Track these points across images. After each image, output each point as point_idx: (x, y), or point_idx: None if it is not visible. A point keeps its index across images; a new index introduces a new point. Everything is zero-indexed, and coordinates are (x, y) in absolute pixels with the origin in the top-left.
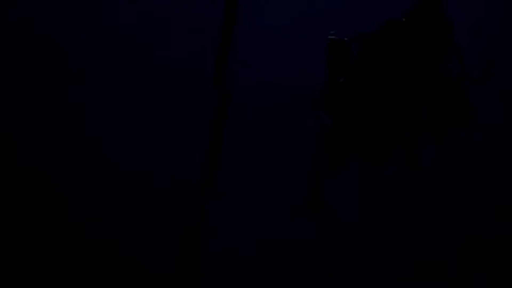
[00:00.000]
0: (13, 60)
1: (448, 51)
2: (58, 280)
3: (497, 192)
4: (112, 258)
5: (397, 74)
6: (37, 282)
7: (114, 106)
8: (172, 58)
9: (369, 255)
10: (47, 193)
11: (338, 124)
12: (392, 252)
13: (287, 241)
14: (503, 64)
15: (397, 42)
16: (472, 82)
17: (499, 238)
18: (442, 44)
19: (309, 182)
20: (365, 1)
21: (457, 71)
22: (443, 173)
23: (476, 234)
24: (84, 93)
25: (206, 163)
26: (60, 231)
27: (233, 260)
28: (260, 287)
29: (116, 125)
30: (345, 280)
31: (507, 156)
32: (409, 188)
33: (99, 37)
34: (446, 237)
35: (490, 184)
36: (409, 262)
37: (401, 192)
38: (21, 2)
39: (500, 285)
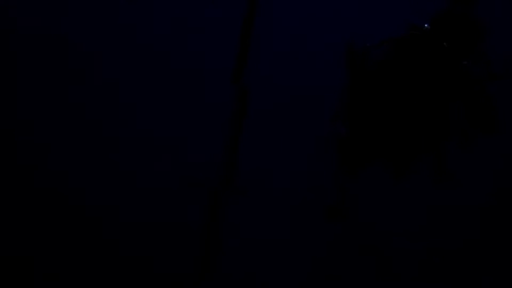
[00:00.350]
0: (13, 60)
1: (476, 55)
2: (75, 281)
3: None
4: (122, 258)
5: (422, 80)
6: (51, 283)
7: (128, 107)
8: (182, 57)
9: (384, 258)
10: (57, 195)
11: (355, 132)
12: (410, 255)
13: (300, 243)
14: None
15: (423, 49)
16: (495, 80)
17: None
18: (472, 50)
19: (330, 188)
20: (379, 5)
21: (482, 73)
22: (462, 176)
23: (497, 238)
24: (96, 94)
25: (223, 163)
26: (75, 232)
27: (246, 259)
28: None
29: (130, 127)
30: (357, 283)
31: None
32: (426, 191)
33: (111, 37)
34: (462, 241)
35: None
36: (428, 265)
37: (416, 194)
38: (22, 2)
39: None
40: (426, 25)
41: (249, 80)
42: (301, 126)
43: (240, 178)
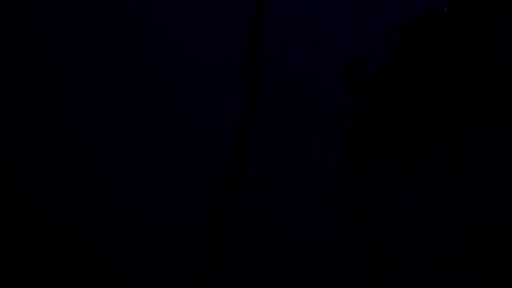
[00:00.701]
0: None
1: (497, 38)
2: (77, 281)
3: None
4: (124, 259)
5: (439, 69)
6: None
7: (131, 98)
8: (188, 43)
9: (397, 252)
10: (57, 194)
11: (365, 126)
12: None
13: (310, 238)
14: None
15: (440, 35)
16: None
17: None
18: (490, 35)
19: (343, 182)
20: None
21: (503, 57)
22: (479, 168)
23: None
24: (98, 87)
25: (233, 154)
26: (75, 232)
27: (253, 256)
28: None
29: (132, 118)
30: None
31: None
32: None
33: (113, 25)
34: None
35: None
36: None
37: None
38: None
39: None
40: (445, 9)
41: (261, 66)
42: (317, 116)
43: (251, 169)
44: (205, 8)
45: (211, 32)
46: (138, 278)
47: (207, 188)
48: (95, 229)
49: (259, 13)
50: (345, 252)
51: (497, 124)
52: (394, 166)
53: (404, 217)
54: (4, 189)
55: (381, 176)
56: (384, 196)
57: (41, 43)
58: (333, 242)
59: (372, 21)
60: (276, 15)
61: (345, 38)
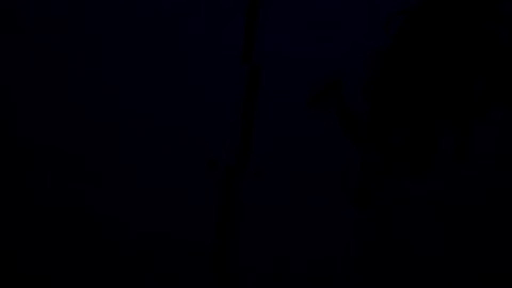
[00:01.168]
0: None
1: (498, 19)
2: (80, 280)
3: None
4: (127, 257)
5: (443, 52)
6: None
7: (133, 90)
8: (186, 37)
9: (407, 248)
10: (57, 194)
11: (373, 124)
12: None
13: (313, 240)
14: None
15: (442, 17)
16: None
17: None
18: (492, 14)
19: (351, 172)
20: None
21: (507, 41)
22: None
23: None
24: (99, 83)
25: (237, 144)
26: (80, 230)
27: (263, 249)
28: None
29: (136, 107)
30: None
31: None
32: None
33: (111, 17)
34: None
35: None
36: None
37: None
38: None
39: None
40: None
41: (261, 57)
42: (320, 112)
43: (255, 159)
44: (204, 8)
45: (211, 26)
46: (139, 278)
47: (208, 183)
48: (95, 229)
49: (258, 7)
50: (345, 252)
51: (498, 123)
52: (394, 166)
53: (405, 217)
54: (4, 189)
55: (382, 176)
56: (385, 196)
57: (41, 43)
58: (333, 242)
59: (377, 13)
60: (277, 8)
61: (348, 31)
